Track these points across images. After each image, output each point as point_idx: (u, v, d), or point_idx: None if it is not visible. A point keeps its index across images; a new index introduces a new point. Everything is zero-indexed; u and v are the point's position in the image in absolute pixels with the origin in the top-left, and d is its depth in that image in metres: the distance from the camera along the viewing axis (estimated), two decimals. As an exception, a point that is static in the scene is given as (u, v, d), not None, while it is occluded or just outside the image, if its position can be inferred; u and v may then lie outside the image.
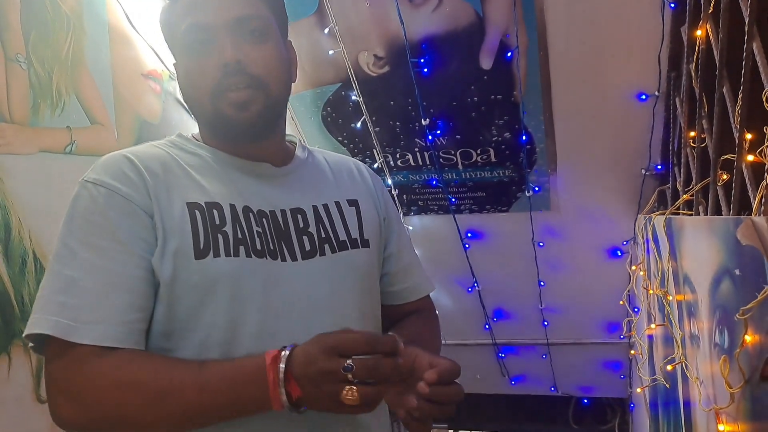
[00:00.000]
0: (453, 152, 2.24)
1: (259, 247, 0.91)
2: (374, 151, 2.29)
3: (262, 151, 0.99)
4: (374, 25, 1.92)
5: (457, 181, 2.36)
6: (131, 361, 0.81)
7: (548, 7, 1.78)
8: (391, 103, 2.13)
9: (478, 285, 2.79)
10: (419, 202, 2.48)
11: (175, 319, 0.87)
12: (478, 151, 2.22)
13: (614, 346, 3.04)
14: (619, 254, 2.53)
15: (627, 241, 2.37)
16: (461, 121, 2.13)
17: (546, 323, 2.92)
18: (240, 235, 0.90)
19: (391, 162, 2.33)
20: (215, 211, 0.90)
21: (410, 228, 2.59)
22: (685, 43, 1.69)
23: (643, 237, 2.01)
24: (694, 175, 1.66)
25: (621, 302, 2.42)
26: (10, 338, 1.36)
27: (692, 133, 1.65)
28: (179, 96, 2.03)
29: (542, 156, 2.19)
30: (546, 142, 2.15)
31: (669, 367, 1.40)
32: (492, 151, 2.21)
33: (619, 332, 2.92)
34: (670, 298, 1.46)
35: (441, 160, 2.27)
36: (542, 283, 2.67)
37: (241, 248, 0.89)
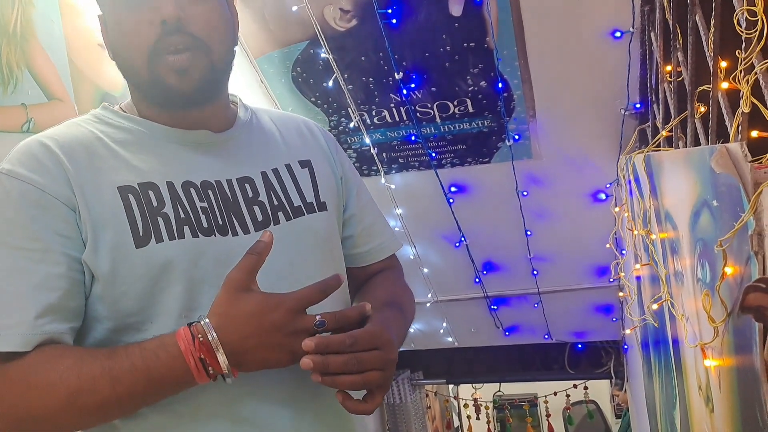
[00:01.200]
0: (429, 106, 2.20)
1: (205, 224, 0.85)
2: (349, 109, 2.24)
3: (201, 117, 0.90)
4: (338, -22, 1.86)
5: (436, 135, 2.32)
6: (44, 362, 0.76)
7: (515, -53, 1.72)
8: (362, 58, 2.07)
9: (465, 239, 2.77)
10: (399, 160, 2.44)
11: (125, 314, 0.81)
12: (455, 103, 2.18)
13: (604, 290, 3.04)
14: (603, 197, 2.51)
15: (610, 184, 2.35)
16: (435, 72, 2.08)
17: (536, 272, 2.92)
18: (183, 215, 0.84)
19: (368, 120, 2.28)
20: (151, 192, 0.83)
21: (392, 186, 2.55)
22: (658, -25, 1.64)
23: (624, 178, 1.98)
24: (672, 111, 1.62)
25: (608, 245, 2.41)
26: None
27: (668, 68, 1.61)
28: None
29: (520, 103, 2.15)
30: (523, 88, 2.10)
31: (655, 306, 1.39)
32: (469, 102, 2.16)
33: (608, 276, 2.92)
34: (653, 236, 1.44)
35: (418, 114, 2.22)
36: (529, 233, 2.65)
37: (186, 228, 0.83)
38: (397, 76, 2.08)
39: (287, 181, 0.94)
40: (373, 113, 2.25)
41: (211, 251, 0.83)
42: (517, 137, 2.26)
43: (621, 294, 2.85)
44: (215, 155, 0.90)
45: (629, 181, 1.82)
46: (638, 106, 2.04)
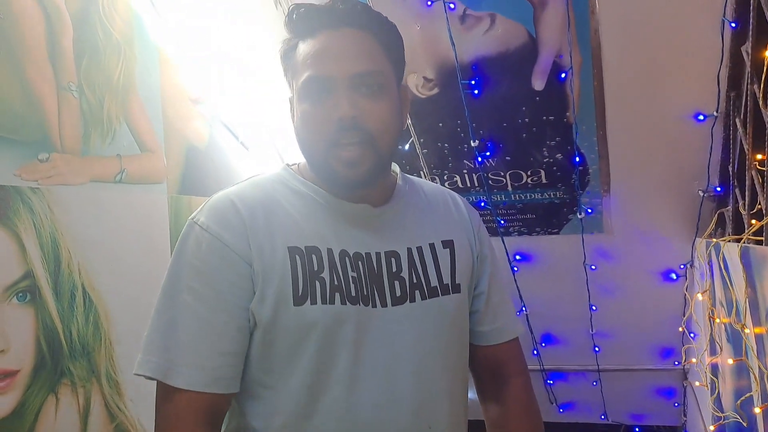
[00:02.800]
0: (502, 174, 2.20)
1: (353, 293, 0.93)
2: (422, 173, 2.27)
3: (364, 193, 0.99)
4: (424, 48, 1.90)
5: (506, 202, 2.31)
6: None
7: (602, 27, 1.74)
8: (440, 124, 2.10)
9: (526, 309, 2.72)
10: (467, 225, 2.44)
11: (272, 359, 0.92)
12: (529, 173, 2.18)
13: (667, 372, 2.93)
14: (674, 277, 2.44)
15: (684, 265, 2.29)
16: (511, 142, 2.10)
17: (597, 349, 2.84)
18: (336, 282, 0.93)
19: (439, 184, 2.30)
20: (314, 256, 0.93)
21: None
22: (748, 64, 1.63)
23: (706, 262, 1.93)
24: (762, 200, 1.59)
25: (680, 329, 2.33)
26: (59, 377, 1.36)
27: (759, 156, 1.59)
28: (224, 120, 2.03)
29: (595, 177, 2.14)
30: (599, 163, 2.09)
31: (757, 410, 1.32)
32: (543, 173, 2.16)
33: (673, 358, 2.81)
34: (747, 330, 1.39)
35: (490, 181, 2.23)
36: (594, 308, 2.60)
37: (337, 295, 0.92)
38: (472, 144, 2.10)
39: (428, 261, 1.02)
40: (445, 178, 2.27)
41: (353, 319, 0.92)
42: (590, 210, 2.24)
43: (687, 381, 2.75)
44: (371, 228, 0.99)
45: (711, 266, 1.77)
46: (718, 189, 2.00)
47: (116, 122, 1.59)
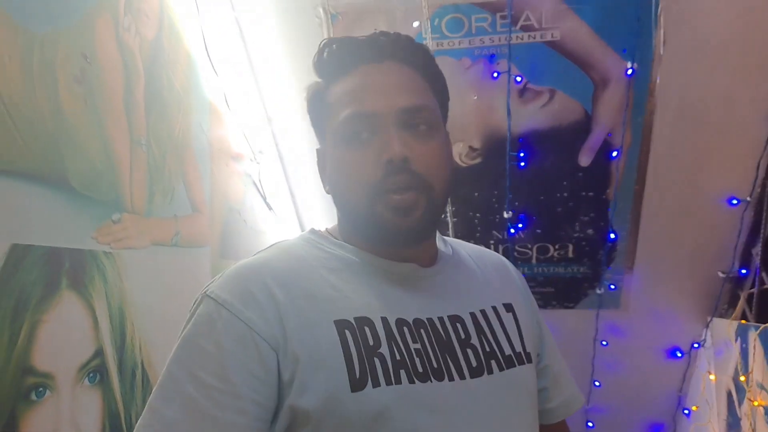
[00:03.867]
0: (530, 246, 2.18)
1: (420, 369, 0.79)
2: (447, 241, 2.21)
3: (412, 253, 0.87)
4: (476, 118, 1.87)
5: (527, 275, 2.28)
6: None
7: (658, 110, 1.77)
8: (476, 194, 2.07)
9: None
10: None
11: None
12: (556, 246, 2.16)
13: (655, 448, 2.94)
14: (679, 355, 2.47)
15: (699, 344, 2.32)
16: (545, 215, 2.08)
17: (590, 424, 2.81)
18: (398, 357, 0.78)
19: (463, 253, 2.25)
20: (367, 329, 0.78)
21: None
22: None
23: (734, 342, 1.95)
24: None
25: (694, 407, 2.34)
26: (120, 469, 1.19)
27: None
28: (256, 180, 1.92)
29: (621, 254, 2.15)
30: (628, 240, 2.11)
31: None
32: (571, 247, 2.15)
33: (662, 433, 2.83)
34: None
35: (516, 253, 2.20)
36: (597, 383, 2.58)
37: (402, 372, 0.77)
38: (506, 215, 2.06)
39: (495, 326, 0.89)
40: (470, 248, 2.22)
41: (426, 399, 0.77)
42: (613, 287, 2.24)
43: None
44: (423, 291, 0.86)
45: (744, 348, 1.79)
46: (743, 272, 2.05)
47: (175, 180, 1.46)
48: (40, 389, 0.98)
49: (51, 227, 1.04)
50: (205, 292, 0.79)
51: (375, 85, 0.83)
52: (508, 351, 0.88)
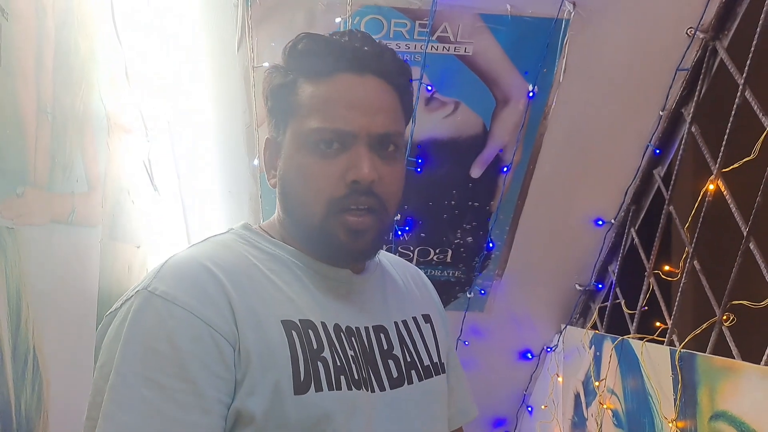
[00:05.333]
0: (412, 249, 2.24)
1: (356, 376, 0.80)
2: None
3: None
4: (380, 119, 1.89)
5: (403, 275, 2.35)
6: None
7: (549, 133, 1.90)
8: (368, 194, 2.09)
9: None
10: (358, 292, 2.42)
11: None
12: (437, 251, 2.25)
13: (494, 442, 3.15)
14: (530, 357, 2.67)
15: (550, 348, 2.52)
16: (431, 221, 2.15)
17: (442, 418, 2.96)
18: (338, 363, 0.78)
19: (346, 250, 2.26)
20: (311, 332, 0.78)
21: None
22: (658, 184, 1.90)
23: (588, 349, 2.15)
24: (663, 305, 1.84)
25: (543, 407, 2.54)
26: (5, 464, 1.07)
27: (666, 267, 1.84)
28: (146, 159, 1.81)
29: (495, 262, 2.28)
30: (503, 250, 2.24)
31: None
32: (450, 252, 2.25)
33: (504, 428, 3.04)
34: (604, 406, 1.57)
35: (397, 254, 2.25)
36: (454, 380, 2.72)
37: (342, 378, 0.78)
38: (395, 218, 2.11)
39: (416, 336, 0.93)
40: (354, 246, 2.24)
41: (361, 407, 0.79)
42: (483, 292, 2.37)
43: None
44: (354, 299, 0.88)
45: (598, 356, 1.98)
46: (600, 286, 2.26)
47: (74, 154, 1.33)
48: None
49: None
50: (147, 290, 0.73)
51: (354, 101, 0.81)
52: (426, 361, 0.91)
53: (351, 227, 0.80)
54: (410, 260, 2.28)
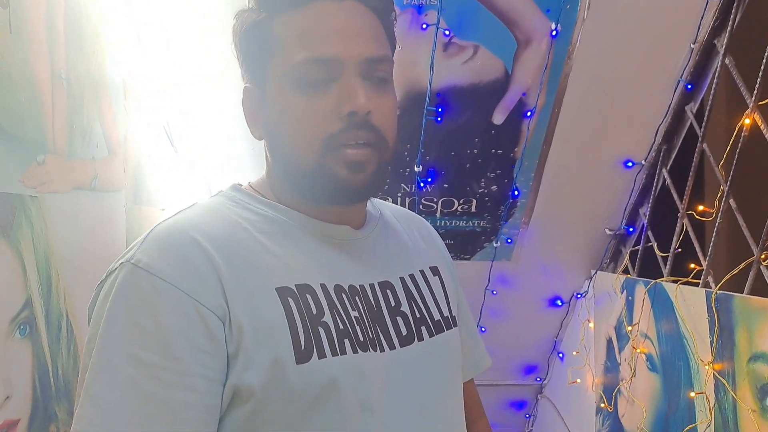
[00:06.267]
0: (435, 200, 2.21)
1: (361, 338, 0.76)
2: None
3: (345, 212, 0.83)
4: (398, 70, 1.83)
5: (428, 227, 2.32)
6: None
7: (573, 73, 1.83)
8: (389, 146, 2.05)
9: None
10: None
11: None
12: (461, 201, 2.21)
13: (526, 387, 3.17)
14: (559, 304, 2.65)
15: (580, 295, 2.50)
16: (454, 171, 2.11)
17: (472, 367, 2.97)
18: (341, 326, 0.74)
19: (370, 205, 2.24)
20: (309, 297, 0.74)
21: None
22: (690, 121, 1.83)
23: (623, 295, 2.12)
24: (697, 246, 1.79)
25: (575, 353, 2.53)
26: (48, 424, 1.09)
27: (701, 207, 1.79)
28: (165, 122, 1.78)
29: (521, 210, 2.24)
30: (529, 197, 2.20)
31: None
32: (474, 202, 2.21)
33: (534, 375, 3.05)
34: (707, 367, 1.56)
35: (421, 206, 2.23)
36: (483, 329, 2.71)
37: (346, 342, 0.74)
38: (416, 169, 2.07)
39: (424, 290, 0.89)
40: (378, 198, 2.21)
41: (370, 369, 0.75)
42: (509, 241, 2.34)
43: (543, 395, 3.00)
44: (355, 255, 0.83)
45: (630, 300, 1.96)
46: (631, 230, 2.22)
47: (93, 119, 1.31)
48: (-27, 344, 0.86)
49: (-23, 169, 0.90)
50: (129, 262, 0.69)
51: (337, 26, 0.76)
52: (437, 316, 0.88)
53: (351, 160, 0.75)
54: (434, 212, 2.26)
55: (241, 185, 0.84)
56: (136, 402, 0.64)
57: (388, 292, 0.83)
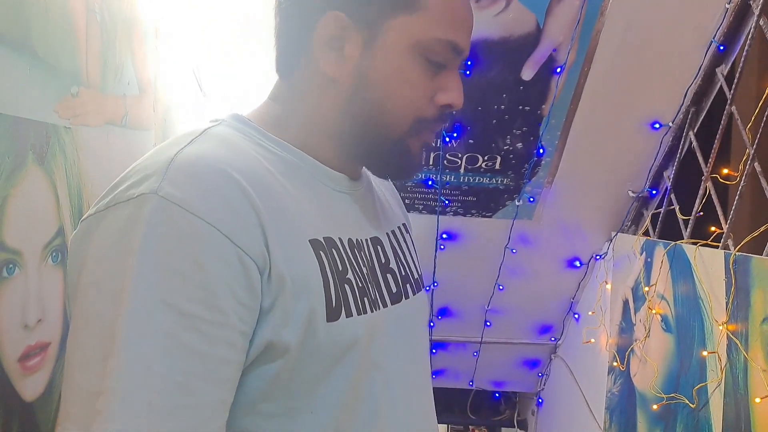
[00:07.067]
0: (460, 155, 2.22)
1: (372, 295, 0.75)
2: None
3: (349, 165, 0.83)
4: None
5: (449, 183, 2.34)
6: None
7: (605, 30, 1.81)
8: (416, 99, 2.06)
9: (436, 284, 2.80)
10: (406, 200, 2.42)
11: (281, 399, 0.68)
12: (486, 158, 2.22)
13: (540, 346, 3.21)
14: (578, 265, 2.66)
15: (600, 256, 2.51)
16: (479, 126, 2.12)
17: (488, 324, 3.01)
18: (360, 283, 0.73)
19: (394, 157, 2.25)
20: (335, 252, 0.71)
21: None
22: (721, 83, 1.81)
23: (642, 257, 2.13)
24: (719, 209, 1.79)
25: (590, 313, 2.55)
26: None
27: (725, 170, 1.78)
28: (194, 64, 1.80)
29: (545, 169, 2.25)
30: (554, 156, 2.20)
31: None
32: (499, 159, 2.22)
33: (549, 335, 3.09)
34: (721, 327, 1.57)
35: (445, 161, 2.24)
36: (501, 287, 2.74)
37: (366, 301, 0.73)
38: (442, 123, 2.08)
39: (404, 248, 0.91)
40: (402, 152, 2.23)
41: (379, 327, 0.75)
42: (531, 199, 2.35)
43: (557, 354, 3.03)
44: (354, 208, 0.82)
45: (649, 262, 1.97)
46: (654, 192, 2.21)
47: (125, 57, 1.34)
48: (11, 266, 0.91)
49: (15, 95, 0.93)
50: (158, 195, 0.60)
51: (468, 18, 0.79)
52: (415, 275, 0.90)
53: (425, 143, 0.79)
54: (458, 168, 2.27)
55: (242, 116, 0.78)
56: (176, 357, 0.57)
57: (379, 248, 0.83)
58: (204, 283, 0.59)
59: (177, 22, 1.65)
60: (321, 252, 0.69)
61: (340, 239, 0.73)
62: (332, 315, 0.68)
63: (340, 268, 0.71)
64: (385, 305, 0.78)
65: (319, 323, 0.66)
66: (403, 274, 0.85)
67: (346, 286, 0.70)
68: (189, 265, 0.58)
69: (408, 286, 0.85)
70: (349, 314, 0.70)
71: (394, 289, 0.81)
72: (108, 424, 0.53)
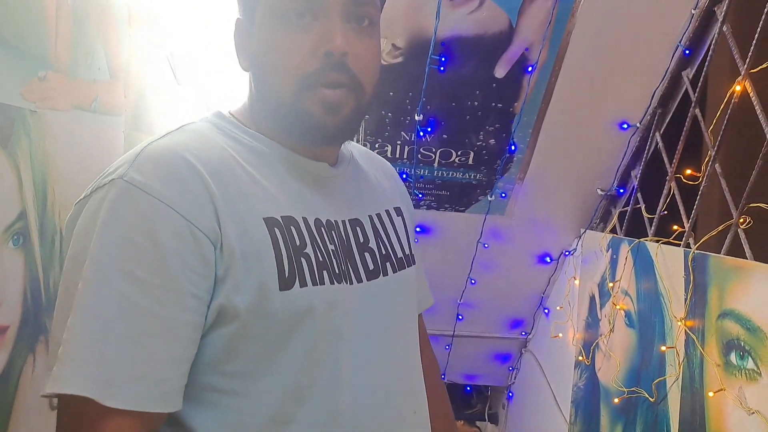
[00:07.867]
0: (434, 150, 2.25)
1: (336, 270, 0.81)
2: (356, 136, 2.22)
3: (323, 152, 0.88)
4: (404, 15, 1.86)
5: (425, 177, 2.37)
6: None
7: (576, 30, 1.85)
8: (391, 93, 2.08)
9: (409, 277, 2.82)
10: (380, 193, 2.45)
11: (242, 359, 0.75)
12: (459, 153, 2.25)
13: (511, 340, 3.25)
14: (548, 261, 2.71)
15: (569, 252, 2.55)
16: (453, 122, 2.14)
17: (460, 317, 3.05)
18: (321, 258, 0.79)
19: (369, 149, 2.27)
20: (293, 228, 0.78)
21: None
22: (686, 87, 1.85)
23: (604, 253, 2.17)
24: (682, 209, 1.84)
25: (559, 308, 2.60)
26: (37, 334, 1.16)
27: (688, 171, 1.82)
28: (169, 52, 1.81)
29: (517, 165, 2.28)
30: (525, 153, 2.23)
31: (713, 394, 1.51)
32: (472, 154, 2.25)
33: (520, 329, 3.13)
34: (680, 323, 1.62)
35: (419, 156, 2.26)
36: (473, 281, 2.78)
37: (325, 274, 0.79)
38: (417, 117, 2.10)
39: (389, 229, 0.96)
40: (377, 145, 2.25)
41: (343, 300, 0.81)
42: (503, 195, 2.38)
43: (527, 349, 3.07)
44: (331, 192, 0.88)
45: (614, 259, 2.01)
46: (621, 191, 2.25)
47: (96, 41, 1.35)
48: (-34, 248, 0.92)
49: (-19, 78, 0.94)
50: (120, 178, 0.70)
51: None
52: (399, 254, 0.95)
53: (326, 100, 0.77)
54: (432, 162, 2.30)
55: (223, 113, 0.86)
56: (130, 316, 0.66)
57: (358, 229, 0.89)
58: (157, 254, 0.68)
59: (151, 7, 1.66)
60: (276, 228, 0.76)
61: (303, 218, 0.80)
62: (285, 284, 0.74)
63: (298, 244, 0.77)
64: (360, 281, 0.85)
65: (272, 292, 0.73)
66: (383, 253, 0.90)
67: (302, 259, 0.77)
68: (145, 239, 0.68)
69: (388, 264, 0.90)
70: (303, 284, 0.76)
71: (371, 267, 0.87)
72: (62, 367, 0.65)
